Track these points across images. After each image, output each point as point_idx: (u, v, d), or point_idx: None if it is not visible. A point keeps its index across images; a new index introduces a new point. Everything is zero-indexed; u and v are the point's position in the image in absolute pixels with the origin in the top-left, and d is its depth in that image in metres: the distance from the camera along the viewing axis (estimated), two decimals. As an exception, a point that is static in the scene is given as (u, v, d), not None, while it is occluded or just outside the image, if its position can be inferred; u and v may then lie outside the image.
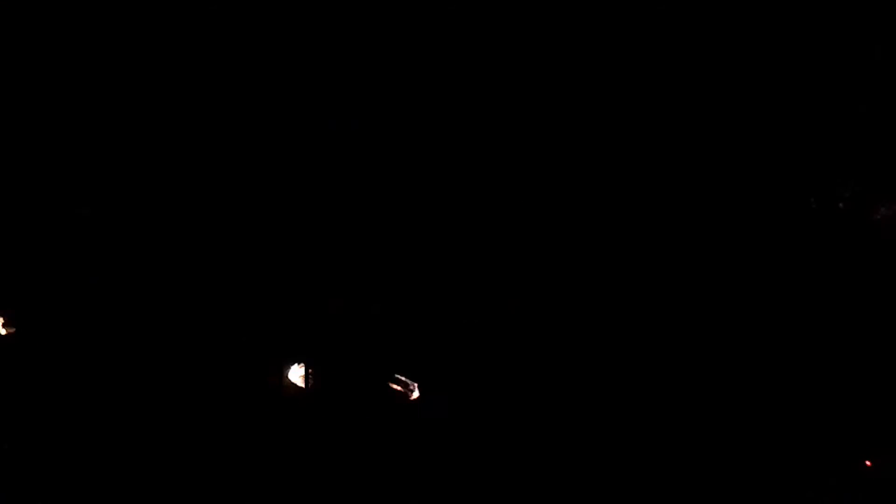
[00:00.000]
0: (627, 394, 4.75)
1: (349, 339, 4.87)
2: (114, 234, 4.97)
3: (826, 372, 4.63)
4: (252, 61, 4.89)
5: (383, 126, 4.90)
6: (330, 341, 4.88)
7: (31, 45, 4.93)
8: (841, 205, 4.60)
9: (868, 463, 4.50)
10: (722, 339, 4.71)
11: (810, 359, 4.65)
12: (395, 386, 4.87)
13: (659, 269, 4.80)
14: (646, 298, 4.79)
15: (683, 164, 4.82)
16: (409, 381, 4.85)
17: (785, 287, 4.71)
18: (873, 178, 4.66)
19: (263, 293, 4.94)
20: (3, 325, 5.01)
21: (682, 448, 4.68)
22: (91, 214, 4.95)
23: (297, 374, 4.88)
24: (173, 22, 4.90)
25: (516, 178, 4.94)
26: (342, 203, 4.98)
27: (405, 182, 4.94)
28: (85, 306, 4.93)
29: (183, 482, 4.80)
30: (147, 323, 4.94)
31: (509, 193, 4.94)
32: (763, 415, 4.66)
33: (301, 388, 4.84)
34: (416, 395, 4.86)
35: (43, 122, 5.00)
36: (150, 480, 4.79)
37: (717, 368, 4.70)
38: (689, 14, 4.76)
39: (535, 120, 4.92)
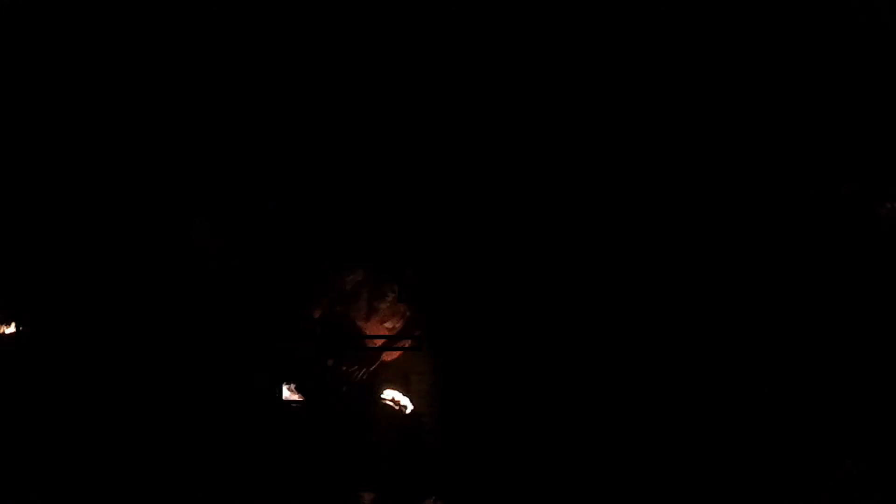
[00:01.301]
0: (629, 395, 4.72)
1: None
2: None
3: (829, 369, 4.59)
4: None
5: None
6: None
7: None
8: (844, 201, 4.60)
9: None
10: (725, 336, 4.68)
11: (813, 356, 4.62)
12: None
13: (662, 265, 4.78)
14: (648, 297, 4.77)
15: (690, 162, 4.83)
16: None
17: (789, 283, 4.68)
18: (876, 175, 4.66)
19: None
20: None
21: (685, 448, 4.64)
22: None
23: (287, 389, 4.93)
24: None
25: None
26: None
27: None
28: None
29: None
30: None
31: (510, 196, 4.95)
32: (766, 414, 4.62)
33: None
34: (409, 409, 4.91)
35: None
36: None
37: (719, 366, 4.67)
38: (693, 15, 4.81)
39: (539, 120, 4.95)
